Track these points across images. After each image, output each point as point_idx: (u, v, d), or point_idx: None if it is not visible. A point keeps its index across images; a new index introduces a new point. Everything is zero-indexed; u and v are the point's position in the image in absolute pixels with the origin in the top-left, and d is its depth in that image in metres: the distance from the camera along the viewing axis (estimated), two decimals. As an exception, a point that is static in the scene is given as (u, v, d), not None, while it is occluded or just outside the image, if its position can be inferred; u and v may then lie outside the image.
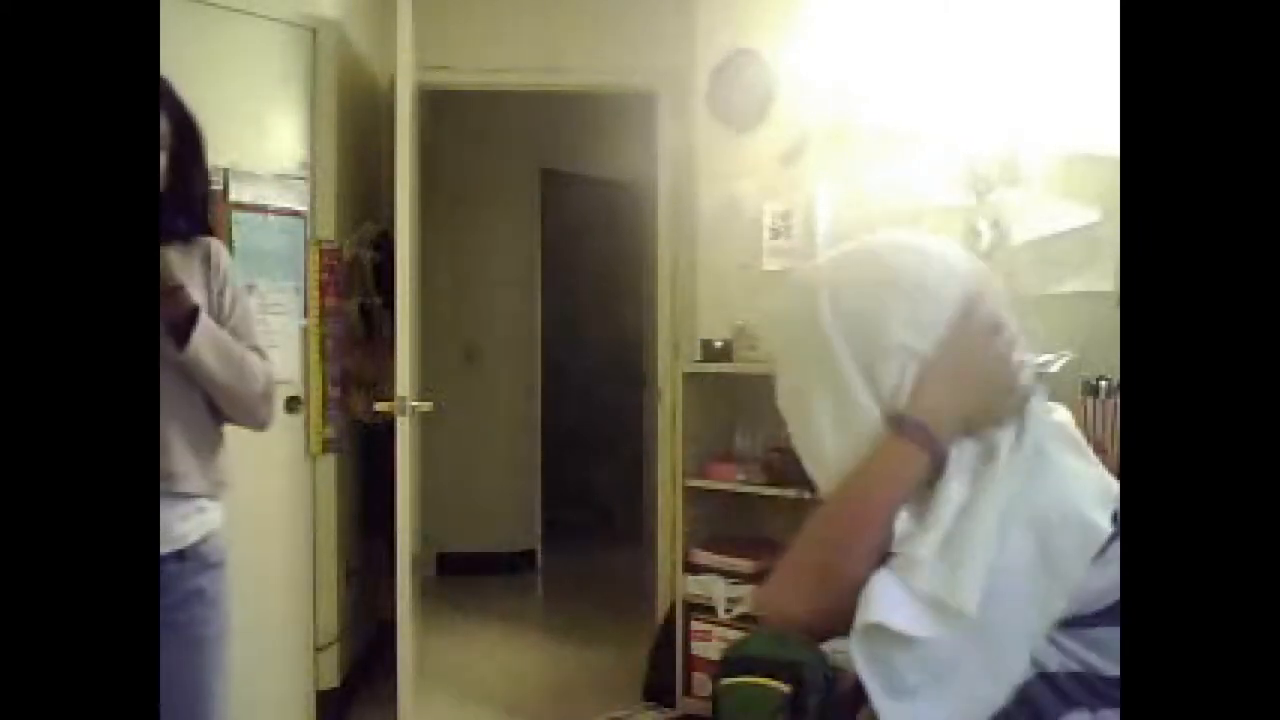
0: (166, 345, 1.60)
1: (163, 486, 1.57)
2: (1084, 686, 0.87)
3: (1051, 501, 0.89)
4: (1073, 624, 0.87)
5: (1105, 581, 0.86)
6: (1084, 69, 2.64)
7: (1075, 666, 0.87)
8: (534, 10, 3.86)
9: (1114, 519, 0.89)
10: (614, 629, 4.25)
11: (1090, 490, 0.91)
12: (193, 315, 1.61)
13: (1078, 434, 0.98)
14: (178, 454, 1.61)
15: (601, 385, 6.29)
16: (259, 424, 1.77)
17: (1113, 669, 0.86)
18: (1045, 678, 0.87)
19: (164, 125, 1.59)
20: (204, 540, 1.67)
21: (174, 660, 1.59)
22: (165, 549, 1.59)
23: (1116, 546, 0.87)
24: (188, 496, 1.63)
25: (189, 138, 1.66)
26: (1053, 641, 0.87)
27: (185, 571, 1.63)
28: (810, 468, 0.99)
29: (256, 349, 1.75)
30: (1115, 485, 0.93)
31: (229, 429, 1.75)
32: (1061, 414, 0.99)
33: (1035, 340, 0.99)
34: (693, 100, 3.71)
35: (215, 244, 1.75)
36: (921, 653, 0.85)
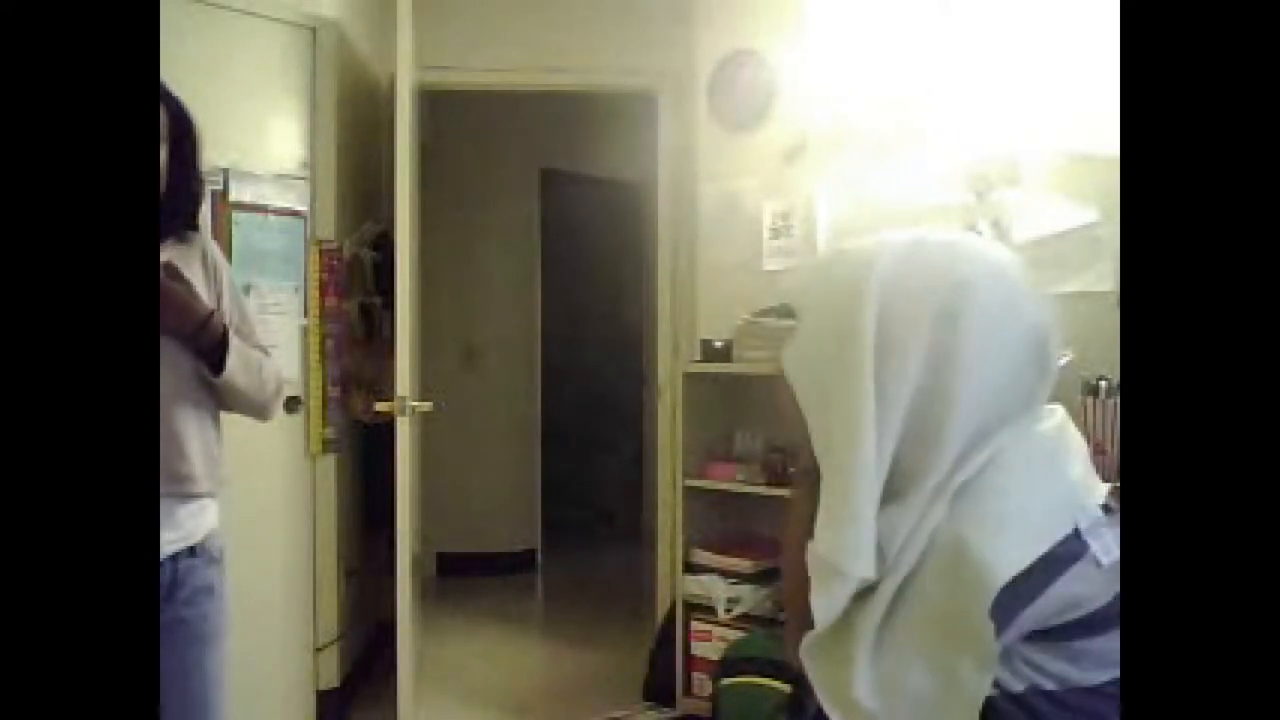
0: (199, 365, 1.61)
1: (179, 490, 1.59)
2: (1056, 704, 0.84)
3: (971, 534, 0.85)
4: (1048, 635, 0.84)
5: (1084, 587, 0.84)
6: (1084, 69, 2.64)
7: (1049, 684, 0.85)
8: (534, 10, 3.86)
9: (1077, 528, 0.86)
10: (614, 629, 4.25)
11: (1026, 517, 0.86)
12: (225, 339, 1.62)
13: (1048, 446, 0.92)
14: (193, 458, 1.61)
15: (601, 385, 6.29)
16: (266, 419, 1.79)
17: (1096, 677, 0.85)
18: (1012, 699, 0.84)
19: (161, 118, 1.58)
20: (210, 536, 1.68)
21: (184, 656, 1.60)
22: (179, 545, 1.60)
23: (1089, 553, 0.86)
24: (198, 496, 1.64)
25: (186, 132, 1.65)
26: (1022, 659, 0.84)
27: (196, 566, 1.64)
28: (819, 442, 0.93)
29: (260, 348, 1.76)
30: (1081, 499, 0.89)
31: (228, 429, 1.75)
32: (1051, 421, 0.93)
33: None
34: (693, 100, 3.71)
35: (209, 240, 1.75)
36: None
